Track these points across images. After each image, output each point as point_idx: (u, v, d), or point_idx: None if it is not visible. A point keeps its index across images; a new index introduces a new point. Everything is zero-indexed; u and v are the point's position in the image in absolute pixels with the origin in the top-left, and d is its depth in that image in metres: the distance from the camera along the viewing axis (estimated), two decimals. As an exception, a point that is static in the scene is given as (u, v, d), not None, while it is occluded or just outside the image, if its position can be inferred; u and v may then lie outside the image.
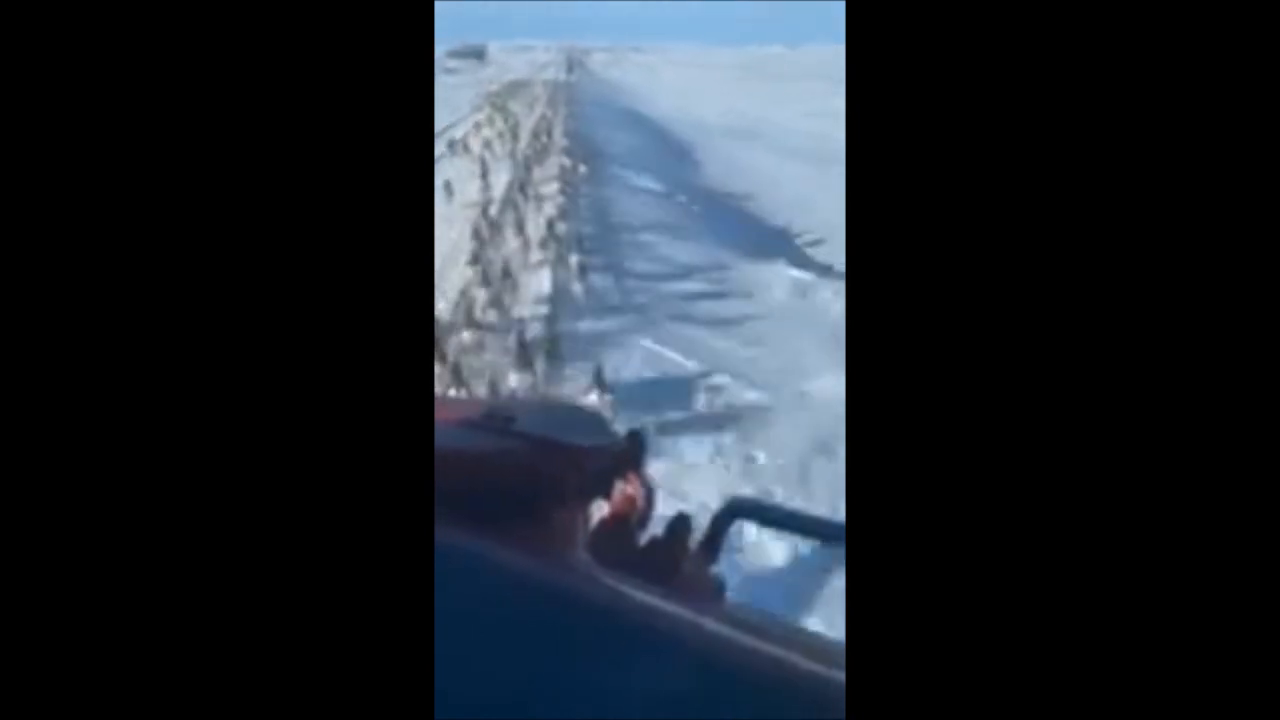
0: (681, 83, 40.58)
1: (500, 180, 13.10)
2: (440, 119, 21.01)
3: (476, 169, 13.14)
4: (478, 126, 19.22)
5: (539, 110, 23.22)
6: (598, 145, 18.34)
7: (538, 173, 13.87)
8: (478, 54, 57.10)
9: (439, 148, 15.75)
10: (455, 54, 54.87)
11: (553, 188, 12.27)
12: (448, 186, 11.36)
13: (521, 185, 11.85)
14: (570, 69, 47.88)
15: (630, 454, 0.71)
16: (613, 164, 16.09)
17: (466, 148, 16.26)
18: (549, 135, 18.25)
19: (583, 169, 14.59)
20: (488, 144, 16.78)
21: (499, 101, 26.03)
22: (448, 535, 0.50)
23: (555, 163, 14.72)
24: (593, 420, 0.73)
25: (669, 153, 18.55)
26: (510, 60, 56.09)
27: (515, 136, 17.76)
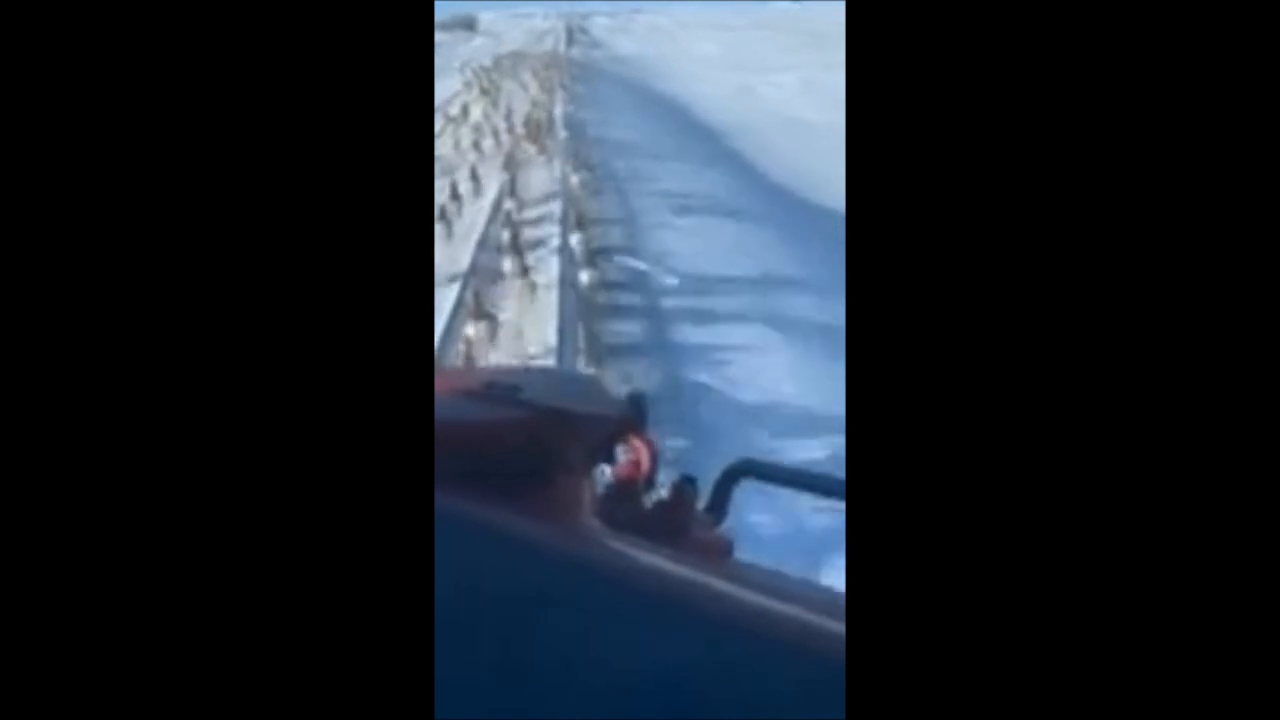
0: (711, 49, 34.65)
1: (478, 210, 9.23)
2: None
3: (444, 188, 9.27)
4: (453, 122, 15.26)
5: (533, 93, 19.17)
6: (617, 144, 14.20)
7: (530, 192, 9.99)
8: (467, 24, 53.00)
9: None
10: (443, 26, 50.78)
11: (549, 223, 8.36)
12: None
13: (514, 238, 7.83)
14: (571, 39, 43.24)
15: (633, 418, 0.74)
16: (645, 170, 11.99)
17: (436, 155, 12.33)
18: (548, 126, 14.31)
19: (580, 177, 10.71)
20: (469, 145, 12.90)
21: (486, 80, 22.00)
22: (456, 505, 0.51)
23: (552, 174, 10.84)
24: (594, 387, 0.80)
25: (717, 150, 14.30)
26: (506, 31, 51.55)
27: (502, 136, 13.81)
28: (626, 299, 6.96)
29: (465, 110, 16.69)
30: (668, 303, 6.95)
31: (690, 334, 6.38)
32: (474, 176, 10.45)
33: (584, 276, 6.89)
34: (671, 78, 23.83)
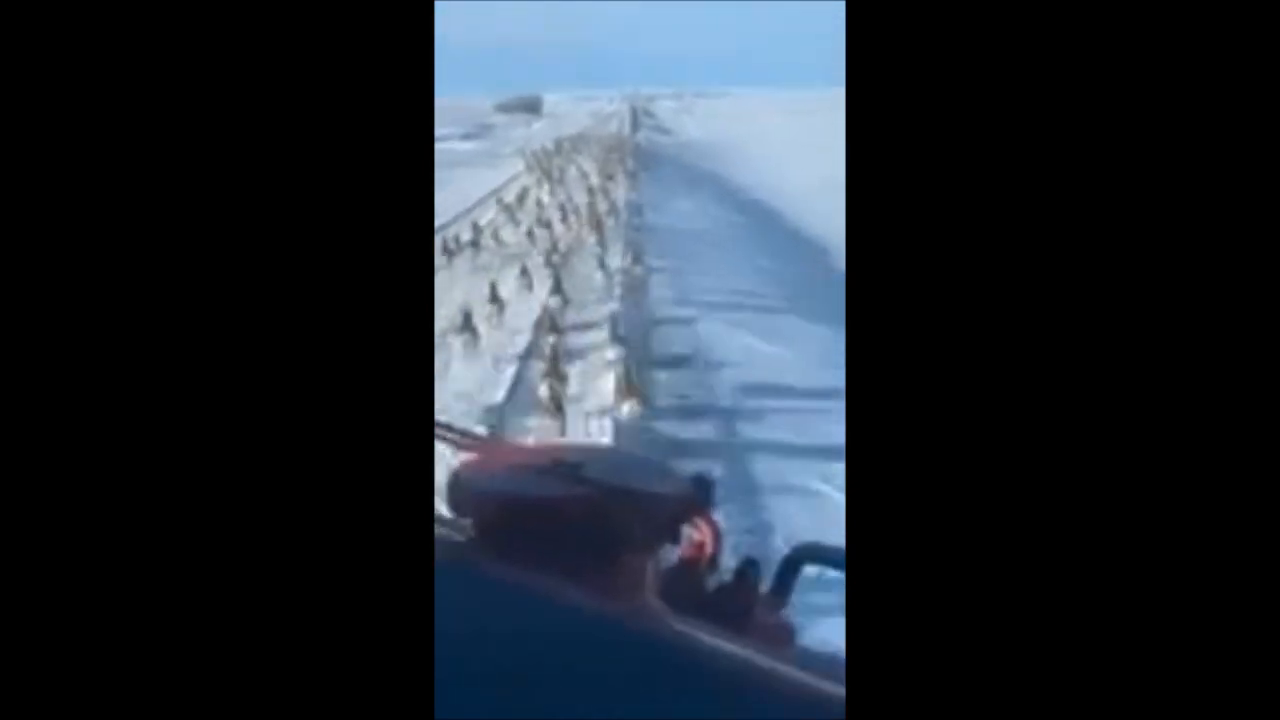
0: (782, 134, 33.52)
1: (524, 312, 8.28)
2: (453, 200, 16.15)
3: (486, 294, 8.33)
4: (507, 209, 14.48)
5: (594, 179, 18.39)
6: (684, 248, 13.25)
7: (583, 292, 9.02)
8: (530, 106, 53.15)
9: (446, 244, 10.95)
10: (505, 108, 50.89)
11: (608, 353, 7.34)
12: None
13: (553, 357, 6.79)
14: (636, 123, 42.78)
15: (697, 499, 0.73)
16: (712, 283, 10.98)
17: (474, 244, 11.48)
18: (610, 213, 13.45)
19: (640, 272, 9.72)
20: (524, 234, 12.05)
21: (547, 164, 21.37)
22: (519, 579, 0.54)
23: (609, 269, 9.89)
24: (659, 467, 0.77)
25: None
26: (570, 113, 51.55)
27: (556, 226, 12.96)
28: (685, 432, 5.87)
29: (522, 196, 15.93)
30: (732, 435, 5.84)
31: (762, 472, 5.28)
32: (524, 271, 9.56)
33: (626, 410, 5.81)
34: (742, 165, 22.94)
